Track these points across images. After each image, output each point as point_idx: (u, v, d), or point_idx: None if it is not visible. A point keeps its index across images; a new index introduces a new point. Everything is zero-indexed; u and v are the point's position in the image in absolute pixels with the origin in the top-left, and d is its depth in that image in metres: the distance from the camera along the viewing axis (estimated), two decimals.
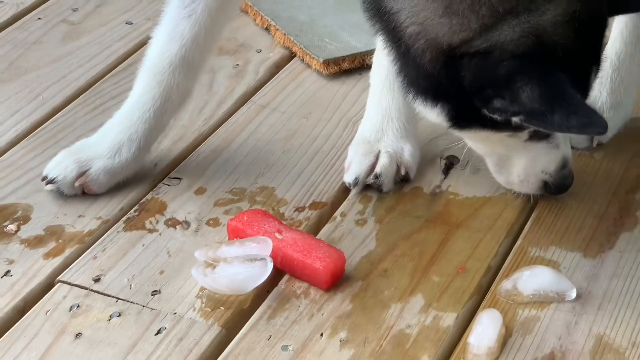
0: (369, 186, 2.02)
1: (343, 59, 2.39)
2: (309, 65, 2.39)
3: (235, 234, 1.87)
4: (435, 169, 2.08)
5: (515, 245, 1.91)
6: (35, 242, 1.91)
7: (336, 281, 1.82)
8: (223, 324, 1.74)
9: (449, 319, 1.76)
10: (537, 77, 1.64)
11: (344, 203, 2.00)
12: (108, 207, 1.98)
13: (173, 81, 1.99)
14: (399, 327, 1.74)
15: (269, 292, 1.80)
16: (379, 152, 2.02)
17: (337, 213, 1.98)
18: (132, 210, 1.98)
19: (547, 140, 1.87)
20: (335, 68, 2.38)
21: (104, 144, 2.02)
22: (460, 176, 2.07)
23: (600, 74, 2.14)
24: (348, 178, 2.02)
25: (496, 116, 1.69)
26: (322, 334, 1.73)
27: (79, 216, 1.96)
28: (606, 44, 2.15)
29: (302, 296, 1.80)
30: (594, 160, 2.11)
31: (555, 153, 1.89)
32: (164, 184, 2.04)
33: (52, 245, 1.90)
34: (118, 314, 1.76)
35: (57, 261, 1.87)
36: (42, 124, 2.19)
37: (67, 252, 1.89)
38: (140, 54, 2.33)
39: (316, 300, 1.79)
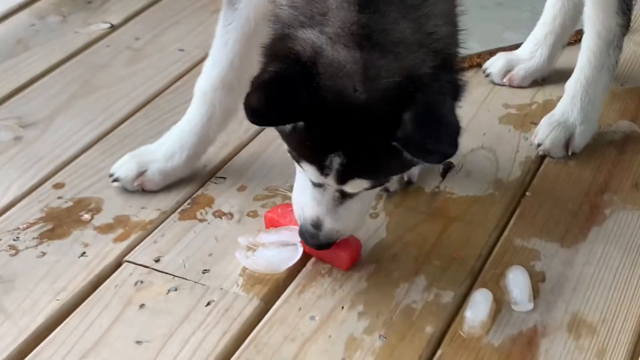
0: None
1: None
2: None
3: (271, 224, 1.86)
4: (434, 172, 2.07)
5: (502, 237, 1.89)
6: (106, 228, 1.90)
7: (354, 264, 1.80)
8: (261, 298, 1.74)
9: (448, 297, 1.75)
10: None
11: None
12: (166, 201, 1.97)
13: (216, 100, 1.97)
14: (407, 303, 1.73)
15: (299, 271, 1.79)
16: None
17: None
18: (185, 203, 1.97)
19: (314, 185, 1.67)
20: None
21: (161, 150, 2.01)
22: (455, 179, 2.05)
23: (571, 94, 2.14)
24: None
25: None
26: (343, 307, 1.72)
27: (142, 208, 1.95)
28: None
29: (326, 275, 1.79)
30: (568, 166, 2.09)
31: (314, 205, 1.68)
32: (211, 182, 2.03)
33: (120, 231, 1.89)
34: (175, 289, 1.75)
35: (124, 244, 1.86)
36: (110, 132, 2.18)
37: (133, 237, 1.88)
38: (190, 75, 2.34)
39: (338, 279, 1.78)
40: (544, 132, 2.11)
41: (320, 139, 1.57)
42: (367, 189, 1.66)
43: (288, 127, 1.57)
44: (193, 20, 2.63)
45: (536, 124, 2.16)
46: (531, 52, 2.33)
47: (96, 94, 2.33)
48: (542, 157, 2.11)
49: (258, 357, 1.63)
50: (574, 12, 2.25)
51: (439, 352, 1.65)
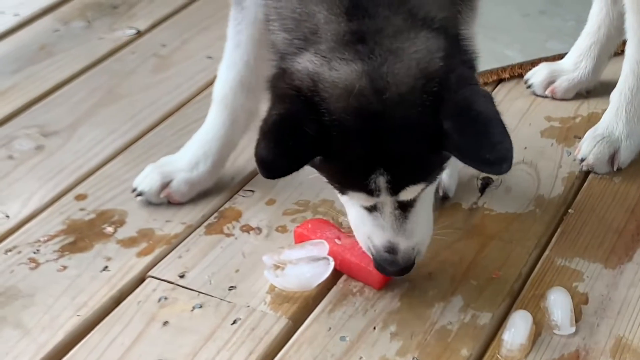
0: None
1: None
2: None
3: (301, 239, 1.86)
4: (472, 188, 2.06)
5: (543, 256, 1.88)
6: (129, 242, 1.91)
7: (387, 282, 1.80)
8: (290, 316, 1.74)
9: (485, 318, 1.74)
10: None
11: None
12: (192, 214, 1.98)
13: (237, 103, 1.97)
14: (442, 323, 1.73)
15: (329, 289, 1.79)
16: None
17: None
18: (212, 217, 1.97)
19: (369, 211, 1.65)
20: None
21: (184, 159, 2.01)
22: (494, 194, 2.04)
23: (615, 106, 2.13)
24: None
25: None
26: (374, 327, 1.72)
27: (167, 221, 1.96)
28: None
29: (357, 294, 1.79)
30: (613, 183, 2.07)
31: (380, 232, 1.66)
32: (239, 195, 2.04)
33: (143, 245, 1.90)
34: (200, 306, 1.76)
35: (148, 259, 1.87)
36: (135, 142, 2.20)
37: (157, 251, 1.89)
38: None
39: (370, 298, 1.78)
40: (588, 147, 2.10)
41: (356, 163, 1.56)
42: (422, 191, 1.64)
43: (316, 161, 1.57)
44: (221, 27, 2.60)
45: (580, 138, 2.15)
46: (575, 63, 2.32)
47: (121, 102, 2.34)
48: (586, 173, 2.10)
49: None
50: (619, 22, 2.24)
51: None
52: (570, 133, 2.22)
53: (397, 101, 1.52)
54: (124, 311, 1.75)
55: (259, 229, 1.94)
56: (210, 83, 2.39)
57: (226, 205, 2.01)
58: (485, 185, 2.07)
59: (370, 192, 1.59)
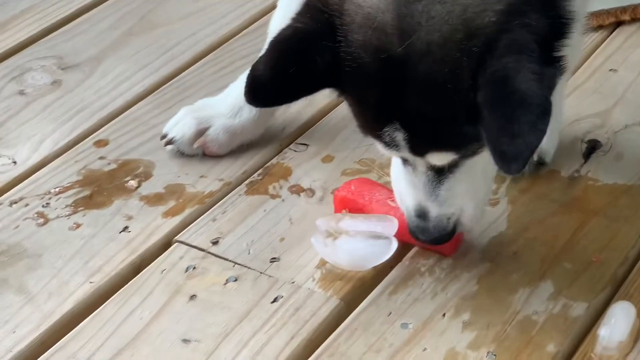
0: None
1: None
2: None
3: (344, 205, 1.85)
4: (575, 152, 2.06)
5: None
6: (155, 199, 1.94)
7: (459, 246, 1.82)
8: (342, 297, 1.76)
9: (579, 309, 1.74)
10: None
11: None
12: (231, 169, 2.00)
13: None
14: (525, 313, 1.74)
15: (392, 267, 1.81)
16: None
17: None
18: (255, 174, 2.00)
19: (404, 164, 1.68)
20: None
21: (226, 103, 2.03)
22: (601, 161, 2.04)
23: None
24: None
25: None
26: (444, 314, 1.73)
27: (201, 176, 1.99)
28: None
29: (426, 274, 1.80)
30: None
31: (412, 191, 1.69)
32: (290, 149, 2.06)
33: (171, 204, 1.93)
34: (234, 279, 1.79)
35: (175, 220, 1.90)
36: (170, 81, 2.23)
37: (187, 212, 1.92)
38: (271, 16, 2.36)
39: (441, 279, 1.79)
40: None
41: (370, 111, 1.57)
42: (460, 160, 1.63)
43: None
44: None
45: None
46: None
47: (154, 32, 2.37)
48: None
49: None
50: None
51: None
52: None
53: (423, 51, 1.49)
54: (144, 280, 1.78)
55: (312, 191, 1.97)
56: (263, 14, 2.42)
57: (273, 161, 2.03)
58: (591, 149, 2.07)
59: (388, 145, 1.59)
